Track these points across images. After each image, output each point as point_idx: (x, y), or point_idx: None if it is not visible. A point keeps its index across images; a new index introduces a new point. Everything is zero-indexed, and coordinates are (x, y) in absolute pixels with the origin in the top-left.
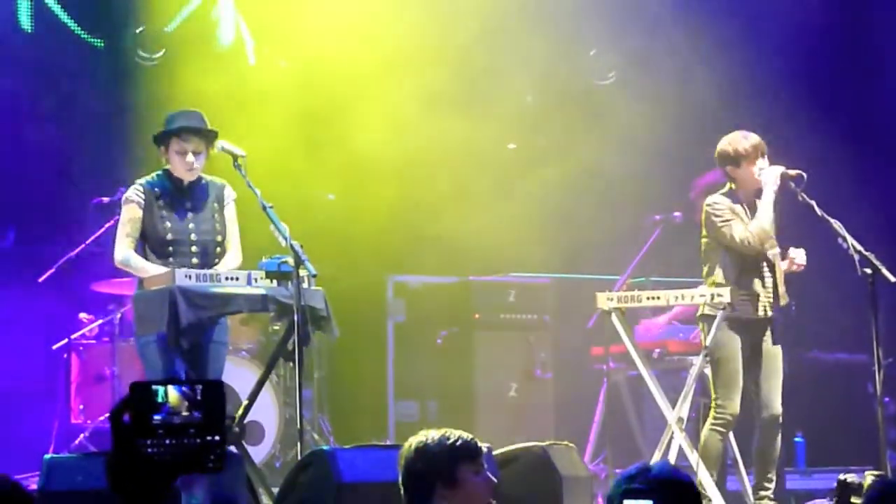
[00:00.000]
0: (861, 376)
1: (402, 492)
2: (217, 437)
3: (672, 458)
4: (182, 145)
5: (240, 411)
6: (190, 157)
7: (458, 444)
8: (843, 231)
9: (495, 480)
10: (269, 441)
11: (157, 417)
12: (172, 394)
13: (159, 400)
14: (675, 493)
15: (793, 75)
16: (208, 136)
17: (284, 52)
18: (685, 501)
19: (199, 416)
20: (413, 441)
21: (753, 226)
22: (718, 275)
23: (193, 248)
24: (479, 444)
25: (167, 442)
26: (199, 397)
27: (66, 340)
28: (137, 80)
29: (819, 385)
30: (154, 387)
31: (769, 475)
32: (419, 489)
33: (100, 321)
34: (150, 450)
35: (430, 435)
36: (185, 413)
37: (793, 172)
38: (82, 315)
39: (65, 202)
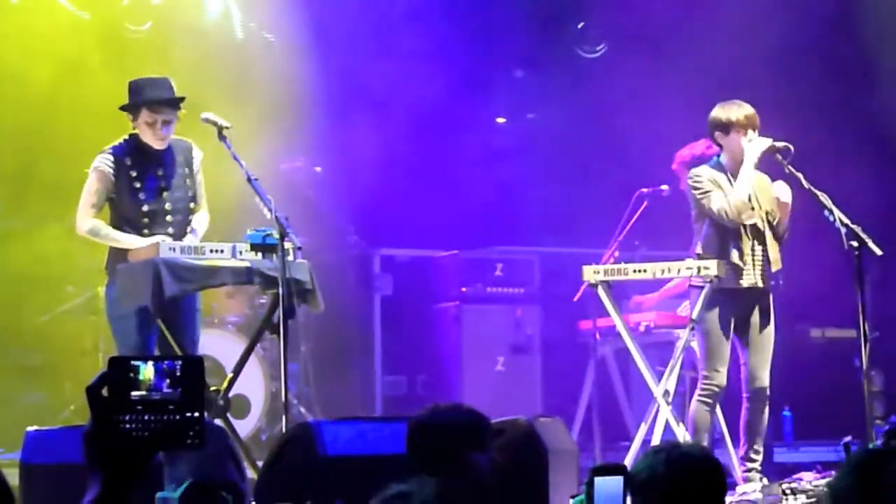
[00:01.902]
0: (848, 350)
1: (409, 462)
2: (196, 414)
3: (658, 432)
4: (153, 116)
5: (224, 384)
6: (160, 129)
7: (464, 421)
8: (829, 203)
9: (498, 460)
10: (254, 414)
11: (135, 393)
12: (152, 369)
13: (139, 376)
14: (693, 476)
15: (786, 52)
16: (178, 104)
17: (271, 26)
18: (704, 486)
19: (179, 393)
20: (422, 413)
21: (732, 196)
22: (703, 245)
23: (169, 218)
24: (485, 421)
25: (146, 418)
26: (178, 373)
27: (49, 314)
28: (124, 52)
29: (806, 359)
30: (133, 362)
31: (756, 448)
32: (424, 463)
33: (85, 295)
34: (128, 426)
35: (440, 409)
36: (164, 389)
37: (780, 145)
38: (68, 288)
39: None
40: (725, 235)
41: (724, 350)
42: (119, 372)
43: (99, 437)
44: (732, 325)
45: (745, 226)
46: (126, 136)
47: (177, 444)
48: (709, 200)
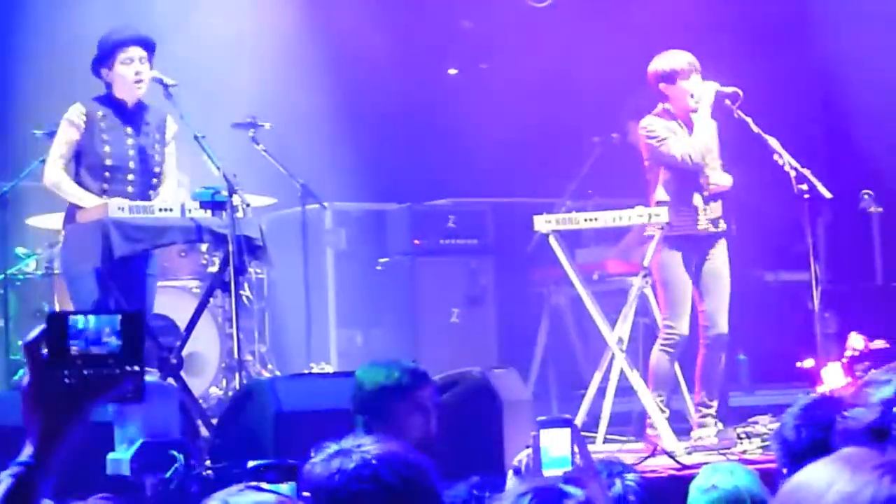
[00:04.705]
0: (803, 293)
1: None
2: (137, 367)
3: (613, 380)
4: (126, 57)
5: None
6: (135, 71)
7: (392, 378)
8: (779, 147)
9: (433, 411)
10: (209, 373)
11: (74, 348)
12: (90, 324)
13: (77, 330)
14: None
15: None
16: (148, 43)
17: None
18: None
19: (119, 347)
20: (358, 371)
21: (695, 141)
22: (660, 192)
23: (130, 176)
24: (418, 375)
25: (85, 372)
26: (118, 327)
27: (2, 276)
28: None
29: (761, 303)
30: (71, 317)
31: (712, 395)
32: (365, 418)
33: (37, 255)
34: (67, 380)
35: (373, 365)
36: (104, 343)
37: (728, 89)
38: (19, 249)
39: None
40: (683, 181)
41: (686, 298)
42: (57, 327)
43: (37, 393)
44: (689, 272)
45: (702, 170)
46: (100, 94)
47: (116, 398)
48: (668, 147)
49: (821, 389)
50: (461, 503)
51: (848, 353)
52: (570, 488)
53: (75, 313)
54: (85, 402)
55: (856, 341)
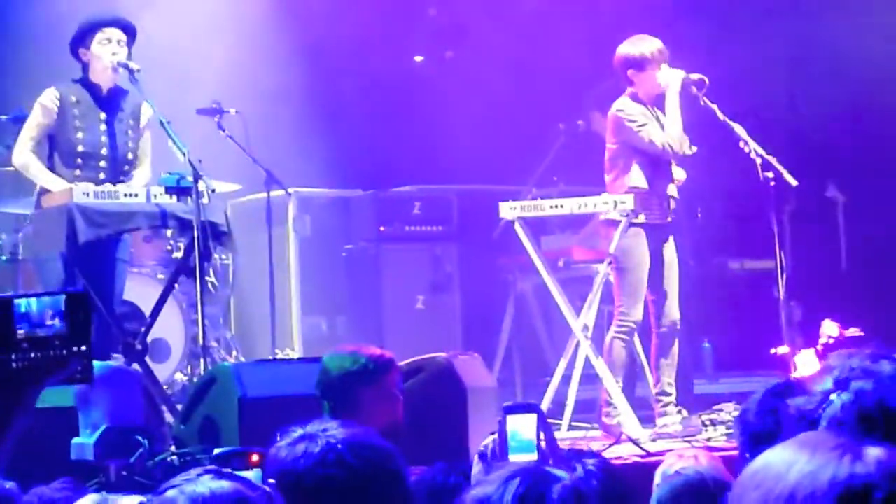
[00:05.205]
0: (767, 281)
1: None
2: (84, 348)
3: (578, 367)
4: (105, 38)
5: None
6: (115, 47)
7: (358, 364)
8: (745, 135)
9: (399, 397)
10: (174, 359)
11: (20, 331)
12: (35, 306)
13: (22, 313)
14: None
15: None
16: (130, 31)
17: None
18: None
19: (64, 328)
20: (324, 358)
21: (671, 131)
22: (634, 178)
23: (103, 163)
24: (384, 361)
25: (32, 355)
26: (62, 308)
27: None
28: None
29: (726, 291)
30: (16, 300)
31: (670, 381)
32: (329, 404)
33: (1, 240)
34: (14, 364)
35: (339, 351)
36: (48, 324)
37: (694, 77)
38: None
39: None
40: (656, 168)
41: (643, 286)
42: (2, 312)
43: None
44: (652, 261)
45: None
46: (75, 79)
47: (65, 379)
48: (648, 133)
49: (793, 376)
50: (427, 488)
51: (822, 340)
52: (557, 471)
53: (19, 297)
54: (33, 384)
55: (830, 329)
